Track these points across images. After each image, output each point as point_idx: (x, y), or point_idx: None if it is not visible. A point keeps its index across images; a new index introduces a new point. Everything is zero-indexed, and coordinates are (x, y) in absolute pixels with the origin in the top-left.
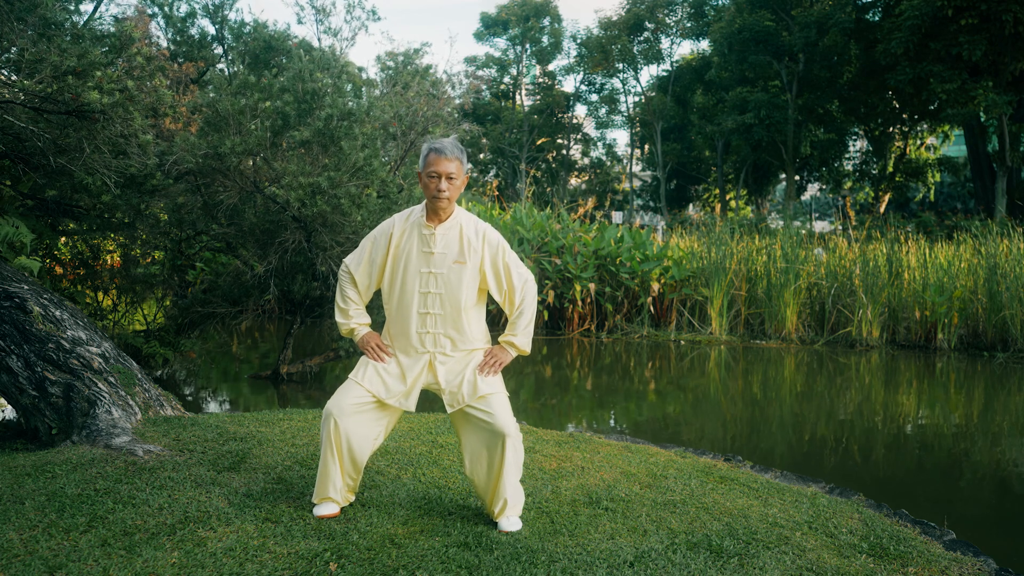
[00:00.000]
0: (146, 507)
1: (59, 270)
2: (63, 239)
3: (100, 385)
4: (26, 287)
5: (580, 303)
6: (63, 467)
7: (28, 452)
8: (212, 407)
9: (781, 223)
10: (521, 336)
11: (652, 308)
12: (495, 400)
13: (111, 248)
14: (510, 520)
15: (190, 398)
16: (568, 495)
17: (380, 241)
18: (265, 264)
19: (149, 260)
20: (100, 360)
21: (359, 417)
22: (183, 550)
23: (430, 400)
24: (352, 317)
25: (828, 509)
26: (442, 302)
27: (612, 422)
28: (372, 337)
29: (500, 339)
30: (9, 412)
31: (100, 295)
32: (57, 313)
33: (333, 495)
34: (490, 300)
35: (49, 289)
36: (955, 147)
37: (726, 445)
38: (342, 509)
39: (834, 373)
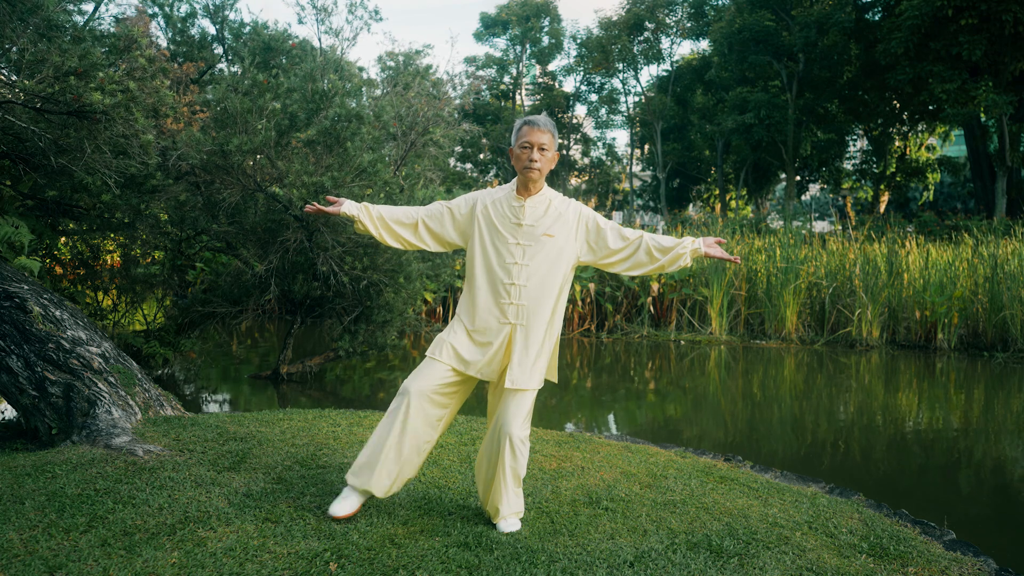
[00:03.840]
0: (146, 507)
1: (59, 270)
2: (63, 239)
3: (100, 385)
4: (26, 287)
5: (580, 303)
6: (63, 467)
7: (28, 452)
8: (212, 407)
9: (781, 223)
10: (682, 239)
11: (652, 308)
12: (515, 396)
13: (111, 248)
14: (509, 521)
15: (190, 398)
16: (568, 495)
17: (463, 203)
18: (266, 264)
19: (149, 260)
20: (100, 360)
21: (436, 398)
22: (183, 550)
23: None
24: (378, 206)
25: (828, 509)
26: (528, 274)
27: (612, 422)
28: (336, 201)
29: (690, 251)
30: (9, 412)
31: (100, 295)
32: (57, 313)
33: (375, 485)
34: None
35: (49, 289)
36: (955, 147)
37: (726, 445)
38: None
39: (834, 373)
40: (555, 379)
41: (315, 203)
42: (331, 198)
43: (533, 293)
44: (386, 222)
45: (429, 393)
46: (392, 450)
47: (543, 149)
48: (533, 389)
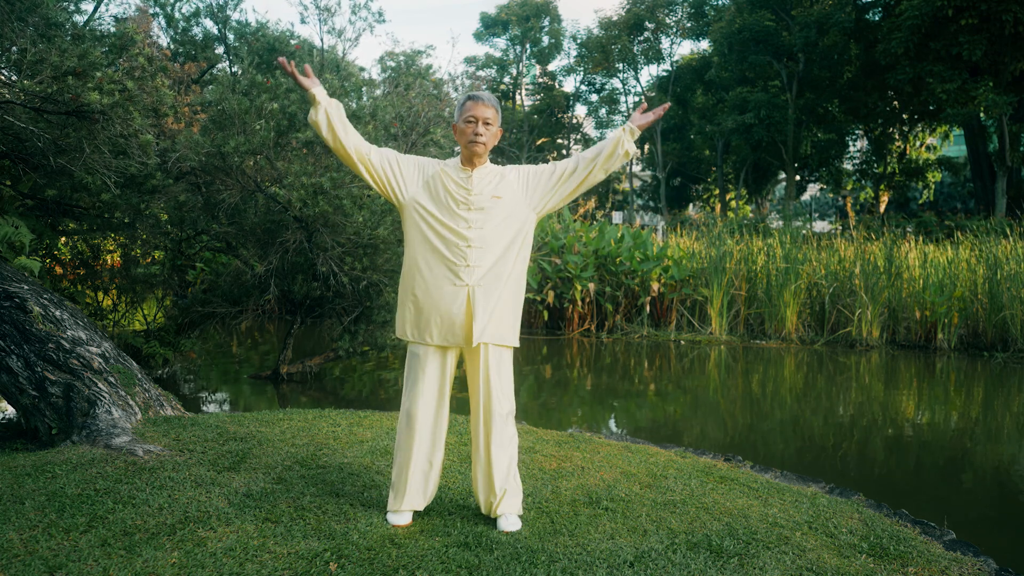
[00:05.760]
0: (146, 507)
1: (59, 270)
2: (63, 239)
3: (100, 385)
4: (26, 287)
5: (580, 303)
6: (63, 467)
7: (28, 452)
8: (212, 407)
9: (781, 223)
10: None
11: (652, 308)
12: (493, 366)
13: (111, 248)
14: (509, 520)
15: (190, 398)
16: (568, 495)
17: (412, 162)
18: (265, 264)
19: (149, 260)
20: (100, 360)
21: (442, 399)
22: (183, 550)
23: None
24: (343, 116)
25: (828, 509)
26: (483, 236)
27: (612, 422)
28: (312, 77)
29: (627, 133)
30: (9, 412)
31: (100, 295)
32: (57, 313)
33: (416, 503)
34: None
35: (49, 289)
36: (955, 147)
37: (726, 445)
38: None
39: (834, 373)
40: (516, 343)
41: (292, 65)
42: (309, 69)
43: (488, 254)
44: (344, 129)
45: (432, 404)
46: (417, 478)
47: (487, 123)
48: (508, 347)
